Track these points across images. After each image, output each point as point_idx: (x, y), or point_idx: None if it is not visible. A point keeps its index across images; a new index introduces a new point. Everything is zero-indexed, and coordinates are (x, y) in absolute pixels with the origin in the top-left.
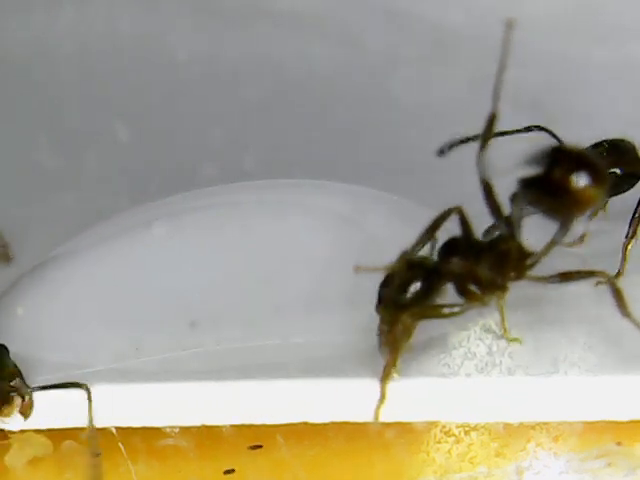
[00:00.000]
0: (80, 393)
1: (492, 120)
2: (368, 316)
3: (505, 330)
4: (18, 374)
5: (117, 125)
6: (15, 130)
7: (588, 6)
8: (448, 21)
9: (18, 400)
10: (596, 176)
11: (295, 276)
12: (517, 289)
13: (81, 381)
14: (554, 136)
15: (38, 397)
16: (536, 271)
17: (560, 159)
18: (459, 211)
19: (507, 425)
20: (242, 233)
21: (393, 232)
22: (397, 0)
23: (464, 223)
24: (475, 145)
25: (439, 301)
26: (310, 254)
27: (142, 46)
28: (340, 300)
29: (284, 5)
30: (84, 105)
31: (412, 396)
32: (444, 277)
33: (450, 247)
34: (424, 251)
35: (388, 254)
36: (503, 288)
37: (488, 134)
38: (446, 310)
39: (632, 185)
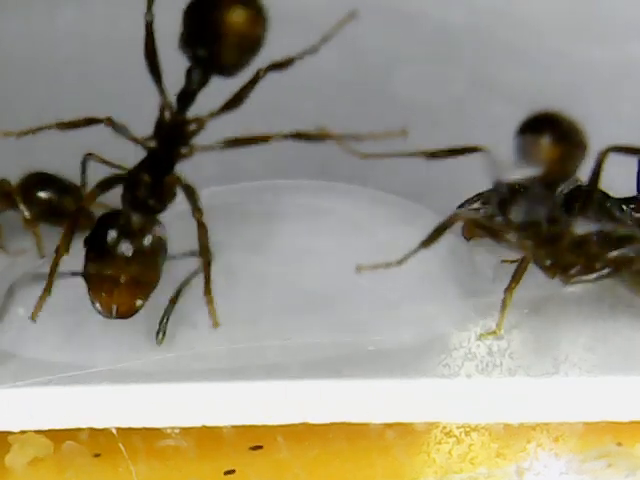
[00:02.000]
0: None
1: None
2: (368, 316)
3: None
4: None
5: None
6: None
7: (588, 6)
8: (448, 21)
9: None
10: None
11: (295, 276)
12: (518, 289)
13: (81, 380)
14: None
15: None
16: None
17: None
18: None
19: (508, 426)
20: (242, 233)
21: (393, 232)
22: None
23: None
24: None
25: None
26: (310, 254)
27: (142, 46)
28: (340, 300)
29: (284, 5)
30: (84, 105)
31: (413, 397)
32: None
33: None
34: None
35: (388, 254)
36: None
37: None
38: None
39: None
